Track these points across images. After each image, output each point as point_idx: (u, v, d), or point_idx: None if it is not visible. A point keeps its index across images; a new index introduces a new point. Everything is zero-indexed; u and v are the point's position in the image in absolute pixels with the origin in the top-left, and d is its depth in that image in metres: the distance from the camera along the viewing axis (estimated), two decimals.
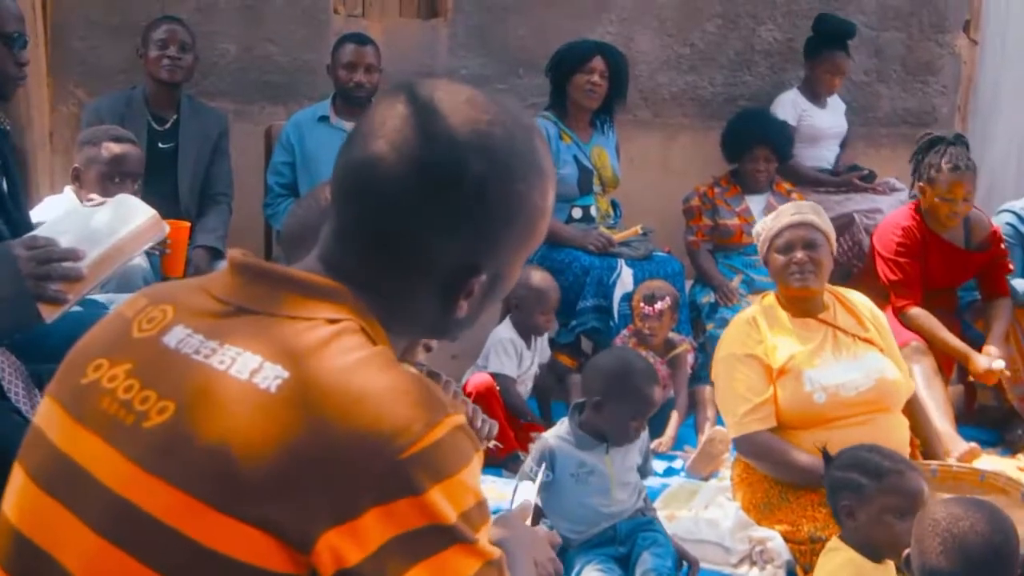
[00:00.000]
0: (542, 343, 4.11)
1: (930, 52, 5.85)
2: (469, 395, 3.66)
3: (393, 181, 1.09)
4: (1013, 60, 5.88)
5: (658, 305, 4.00)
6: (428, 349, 1.62)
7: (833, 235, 3.33)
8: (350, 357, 1.04)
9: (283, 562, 0.97)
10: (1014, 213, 4.37)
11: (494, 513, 1.76)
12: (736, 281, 4.59)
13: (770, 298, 3.36)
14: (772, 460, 3.13)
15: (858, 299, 3.40)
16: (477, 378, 3.73)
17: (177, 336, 1.10)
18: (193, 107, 4.22)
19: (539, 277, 3.99)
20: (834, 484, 2.56)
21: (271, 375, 1.02)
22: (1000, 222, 4.35)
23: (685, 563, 2.84)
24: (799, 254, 3.20)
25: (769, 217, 3.39)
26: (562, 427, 2.95)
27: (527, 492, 2.86)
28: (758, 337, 3.21)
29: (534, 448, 3.00)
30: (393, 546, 0.97)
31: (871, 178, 5.16)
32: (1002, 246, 4.18)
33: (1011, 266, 4.21)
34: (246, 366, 1.03)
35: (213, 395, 1.02)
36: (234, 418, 1.00)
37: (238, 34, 4.80)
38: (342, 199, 1.14)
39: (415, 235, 1.11)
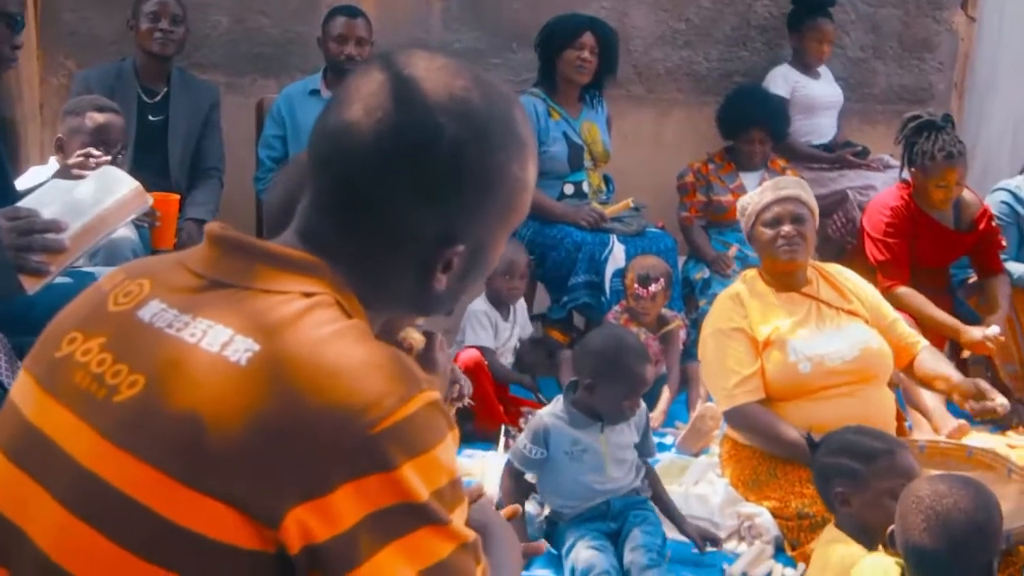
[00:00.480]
0: (522, 316, 4.10)
1: (927, 29, 5.83)
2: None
3: (368, 146, 1.08)
4: (1010, 37, 5.85)
5: (652, 287, 3.99)
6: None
7: (817, 210, 3.34)
8: (323, 330, 1.02)
9: (250, 538, 0.96)
10: (1010, 191, 4.37)
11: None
12: (732, 251, 4.58)
13: (753, 273, 3.37)
14: (762, 432, 3.14)
15: (839, 272, 3.42)
16: (466, 354, 3.72)
17: (152, 310, 1.09)
18: (184, 80, 4.19)
19: (509, 246, 3.99)
20: (824, 471, 2.52)
21: (241, 348, 1.00)
22: (995, 200, 4.35)
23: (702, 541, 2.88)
24: (787, 227, 3.21)
25: (755, 192, 3.40)
26: (556, 405, 2.95)
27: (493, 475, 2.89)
28: (743, 312, 3.23)
29: (528, 426, 3.00)
30: (364, 525, 0.95)
31: (864, 154, 5.15)
32: (993, 223, 4.17)
33: (1003, 243, 4.20)
34: (217, 339, 1.02)
35: (183, 368, 1.01)
36: (203, 391, 0.99)
37: (230, 6, 4.77)
38: (318, 167, 1.13)
39: (390, 202, 1.09)
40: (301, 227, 1.14)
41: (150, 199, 2.68)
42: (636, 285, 4.00)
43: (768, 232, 3.24)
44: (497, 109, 1.12)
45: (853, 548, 2.35)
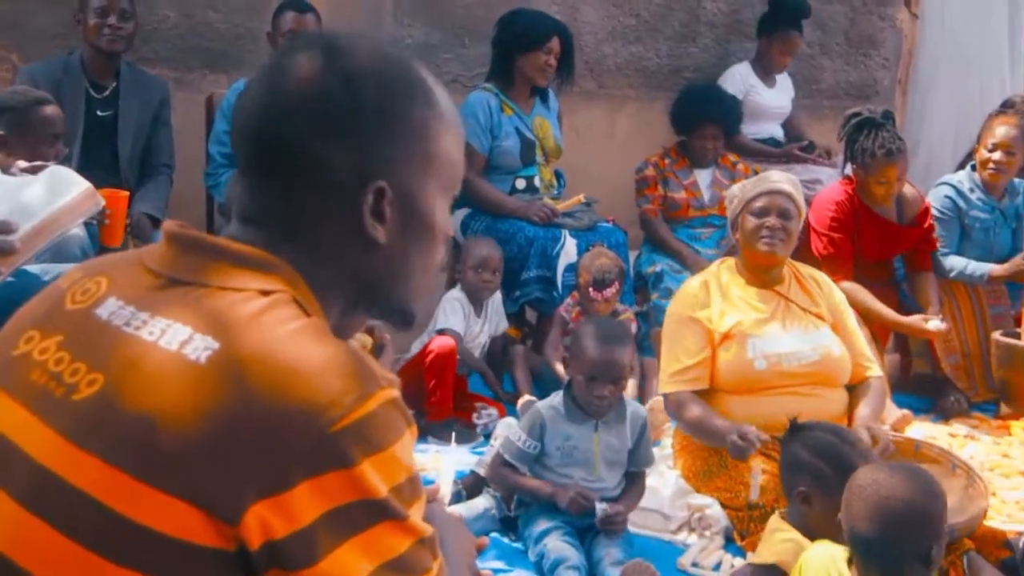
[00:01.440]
0: (496, 314, 4.11)
1: (872, 26, 5.93)
2: (430, 354, 3.67)
3: (271, 98, 1.12)
4: (951, 35, 5.97)
5: (607, 292, 4.00)
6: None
7: (804, 211, 3.37)
8: (282, 329, 1.03)
9: (210, 536, 0.97)
10: (952, 186, 4.45)
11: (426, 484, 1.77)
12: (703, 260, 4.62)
13: (729, 263, 3.40)
14: (687, 420, 3.19)
15: (813, 275, 3.46)
16: (440, 340, 3.74)
17: (109, 308, 1.09)
18: (133, 74, 4.12)
19: (483, 242, 4.05)
20: (795, 463, 2.51)
21: (201, 346, 1.01)
22: (938, 195, 4.43)
23: None
24: (772, 220, 3.24)
25: (748, 181, 3.43)
26: (555, 398, 2.96)
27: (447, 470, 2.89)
28: (705, 301, 3.26)
29: (525, 417, 3.02)
30: (324, 522, 0.96)
31: (811, 148, 5.23)
32: (930, 222, 4.26)
33: (939, 242, 4.30)
34: (175, 337, 1.03)
35: (142, 367, 1.02)
36: (162, 390, 1.00)
37: (178, 0, 4.71)
38: (238, 145, 1.16)
39: (299, 144, 1.11)
40: (240, 211, 1.16)
41: (102, 200, 2.66)
42: (592, 289, 4.00)
43: (753, 221, 3.26)
44: (394, 57, 1.17)
45: (797, 536, 2.39)
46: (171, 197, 4.15)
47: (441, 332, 3.83)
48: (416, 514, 1.03)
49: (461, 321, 3.91)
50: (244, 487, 0.96)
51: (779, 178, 3.36)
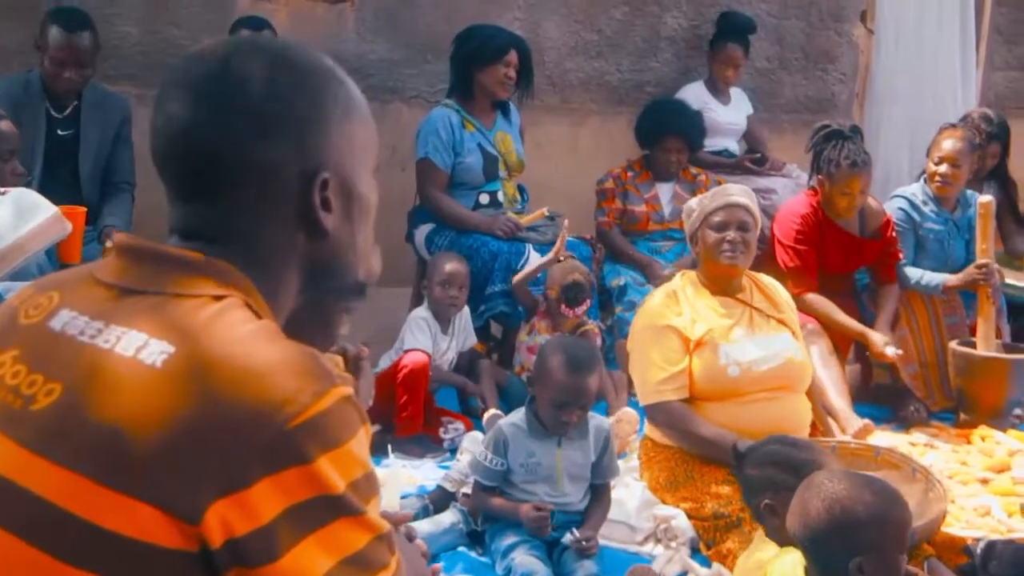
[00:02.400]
0: (463, 331, 4.12)
1: (829, 41, 6.02)
2: (402, 369, 3.67)
3: (188, 113, 1.13)
4: (906, 50, 6.08)
5: (579, 310, 4.02)
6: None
7: (760, 221, 3.42)
8: (237, 331, 1.05)
9: (173, 537, 0.98)
10: (907, 199, 4.53)
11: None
12: (662, 269, 4.65)
13: (691, 275, 3.44)
14: (680, 430, 3.21)
15: (771, 283, 3.52)
16: (411, 357, 3.74)
17: (63, 319, 1.10)
18: (95, 92, 4.08)
19: (448, 258, 4.05)
20: (751, 484, 2.58)
21: (157, 350, 1.03)
22: (893, 207, 4.50)
23: None
24: (732, 233, 3.29)
25: (706, 195, 3.47)
26: (518, 415, 2.97)
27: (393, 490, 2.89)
28: (677, 310, 3.29)
29: (488, 435, 3.03)
30: (283, 518, 0.98)
31: (762, 161, 5.28)
32: (891, 234, 4.33)
33: (901, 254, 4.37)
34: (131, 343, 1.04)
35: (99, 373, 1.03)
36: (121, 395, 1.01)
37: (140, 17, 4.70)
38: (162, 163, 1.16)
39: (230, 151, 1.12)
40: (177, 228, 1.17)
41: (69, 226, 2.65)
42: (563, 305, 4.00)
43: (714, 235, 3.31)
44: (302, 53, 1.19)
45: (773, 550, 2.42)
46: (133, 214, 4.13)
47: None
48: (374, 510, 1.05)
49: (428, 340, 3.91)
50: (204, 486, 0.97)
51: (736, 191, 3.41)
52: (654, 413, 3.27)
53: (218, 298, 1.09)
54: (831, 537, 2.04)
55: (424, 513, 3.06)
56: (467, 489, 3.06)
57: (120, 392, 1.01)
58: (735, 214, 3.32)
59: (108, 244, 3.60)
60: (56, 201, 2.72)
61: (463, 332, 4.12)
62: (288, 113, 1.14)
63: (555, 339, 3.26)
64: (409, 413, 3.66)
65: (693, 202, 3.47)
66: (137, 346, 1.04)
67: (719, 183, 4.29)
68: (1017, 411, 4.28)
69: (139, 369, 1.02)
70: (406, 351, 3.82)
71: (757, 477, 2.56)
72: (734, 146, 5.46)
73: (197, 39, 4.73)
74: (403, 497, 3.14)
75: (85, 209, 3.41)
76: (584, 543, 2.79)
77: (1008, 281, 4.54)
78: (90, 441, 1.00)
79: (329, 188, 1.16)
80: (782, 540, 2.41)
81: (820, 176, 4.18)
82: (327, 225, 1.17)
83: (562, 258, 4.13)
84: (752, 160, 5.26)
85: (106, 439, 0.99)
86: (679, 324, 3.25)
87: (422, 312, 3.99)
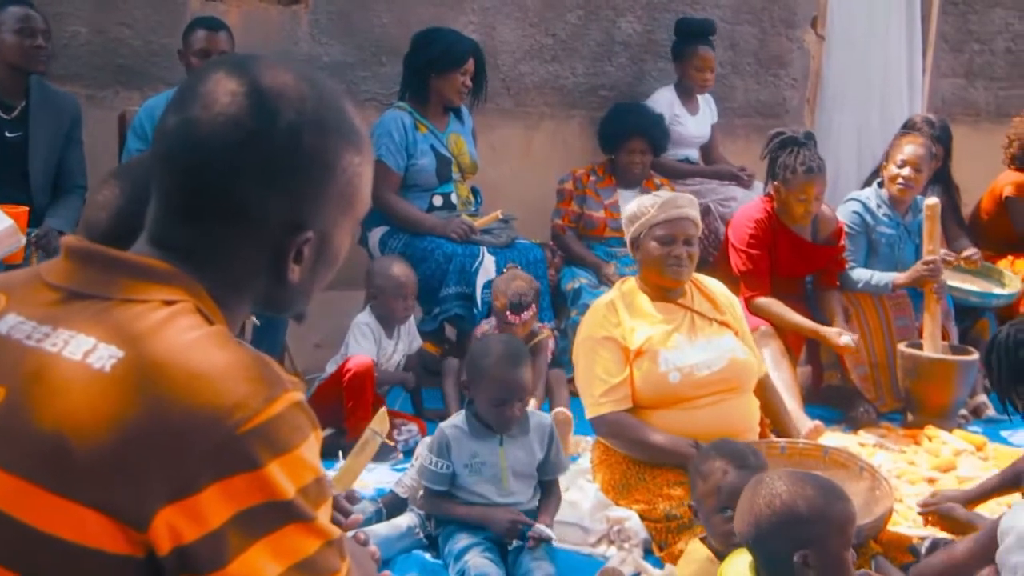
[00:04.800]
0: (409, 335, 4.10)
1: (781, 46, 6.08)
2: (347, 373, 3.65)
3: (209, 137, 1.11)
4: (855, 56, 6.16)
5: (524, 315, 4.02)
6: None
7: (700, 227, 3.43)
8: (187, 336, 1.05)
9: (119, 543, 0.97)
10: (860, 202, 4.60)
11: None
12: (612, 267, 4.68)
13: (630, 283, 3.44)
14: (627, 439, 3.22)
15: (713, 284, 3.53)
16: (356, 359, 3.71)
17: (8, 323, 1.09)
18: (44, 93, 4.01)
19: (396, 266, 4.01)
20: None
21: (105, 355, 1.02)
22: (846, 211, 4.57)
23: None
24: (680, 248, 3.28)
25: (648, 203, 3.37)
26: (458, 417, 2.98)
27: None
28: (616, 320, 3.30)
29: (432, 438, 3.02)
30: (232, 524, 0.97)
31: (735, 177, 5.27)
32: (842, 243, 4.39)
33: (848, 261, 4.42)
34: (79, 347, 1.03)
35: (46, 378, 1.02)
36: (68, 399, 1.00)
37: (89, 16, 4.63)
38: (164, 168, 1.14)
39: (235, 190, 1.11)
40: (154, 234, 1.16)
41: (23, 239, 2.60)
42: (508, 312, 4.00)
43: (659, 248, 3.28)
44: (329, 99, 1.17)
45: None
46: (82, 215, 4.06)
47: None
48: (324, 515, 1.05)
49: (371, 345, 3.89)
50: (152, 492, 0.97)
51: (684, 203, 3.37)
52: (598, 425, 3.28)
53: (168, 303, 1.08)
54: (775, 533, 2.07)
55: (377, 517, 3.05)
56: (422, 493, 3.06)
57: (67, 396, 1.00)
58: (683, 228, 3.30)
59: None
60: (2, 202, 2.67)
61: (408, 335, 4.10)
62: (299, 172, 1.13)
63: (483, 339, 3.26)
64: (358, 417, 3.65)
65: (635, 206, 3.39)
66: (85, 350, 1.03)
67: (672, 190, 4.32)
68: (963, 412, 4.36)
69: (87, 373, 1.01)
70: (355, 354, 3.80)
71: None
72: (695, 155, 5.49)
73: (147, 39, 4.69)
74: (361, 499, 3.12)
75: (27, 209, 3.36)
76: (546, 534, 2.81)
77: (954, 284, 4.62)
78: (35, 445, 0.99)
79: (308, 243, 1.16)
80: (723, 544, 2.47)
81: (776, 182, 4.23)
82: (293, 278, 1.17)
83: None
84: (731, 175, 5.24)
85: (52, 443, 0.98)
86: (617, 335, 3.26)
87: (365, 317, 3.96)
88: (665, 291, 3.37)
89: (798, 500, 2.07)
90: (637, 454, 3.22)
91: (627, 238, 3.44)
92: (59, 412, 1.00)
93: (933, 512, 3.19)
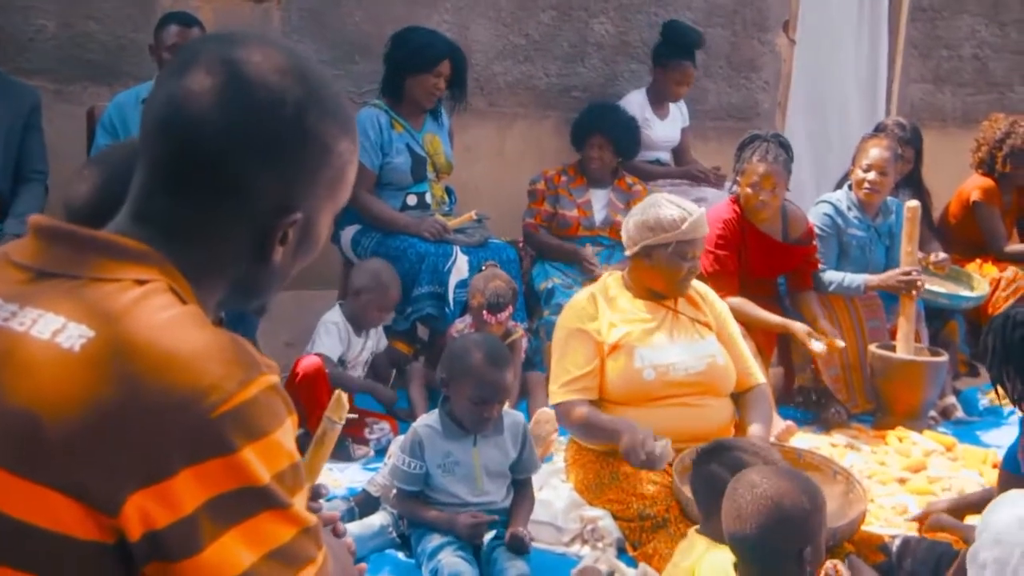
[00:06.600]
0: (377, 332, 4.07)
1: (753, 50, 6.12)
2: (297, 375, 3.61)
3: (212, 108, 1.08)
4: (823, 61, 6.22)
5: (501, 316, 4.01)
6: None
7: None
8: (160, 316, 1.01)
9: (88, 528, 0.95)
10: (832, 204, 4.62)
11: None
12: (588, 247, 4.67)
13: (616, 276, 3.44)
14: (580, 424, 3.22)
15: (700, 287, 3.53)
16: (307, 360, 3.67)
17: None
18: (1, 83, 3.96)
19: (386, 273, 3.98)
20: (709, 480, 2.57)
21: (75, 334, 0.99)
22: (818, 213, 4.59)
23: None
24: (693, 264, 3.34)
25: (677, 216, 3.29)
26: (431, 416, 2.96)
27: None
28: (593, 314, 3.30)
29: (404, 437, 2.99)
30: (206, 510, 0.95)
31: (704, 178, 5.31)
32: (814, 242, 4.41)
33: (820, 262, 4.44)
34: (47, 327, 1.00)
35: (12, 358, 0.99)
36: (35, 380, 0.97)
37: (56, 10, 4.56)
38: (155, 137, 1.11)
39: (231, 162, 1.08)
40: (135, 208, 1.12)
41: None
42: (486, 312, 3.97)
43: (679, 264, 3.28)
44: (328, 84, 1.16)
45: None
46: (50, 210, 4.01)
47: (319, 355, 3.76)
48: (300, 502, 1.02)
49: (336, 343, 3.84)
50: (123, 476, 0.94)
51: (703, 223, 3.36)
52: (559, 414, 3.33)
53: (141, 282, 1.05)
54: (777, 531, 2.07)
55: (349, 516, 3.02)
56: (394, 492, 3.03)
57: (34, 376, 0.97)
58: (701, 246, 3.39)
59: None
60: None
61: (376, 333, 4.08)
62: (298, 151, 1.11)
63: (466, 337, 3.24)
64: (317, 416, 3.59)
65: (658, 216, 3.30)
66: (54, 329, 1.00)
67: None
68: (932, 413, 4.39)
69: (55, 353, 0.98)
70: (307, 355, 3.75)
71: (715, 475, 2.52)
72: (666, 156, 5.50)
73: (116, 34, 4.64)
74: (329, 499, 3.09)
75: None
76: (524, 535, 2.81)
77: (926, 287, 4.65)
78: (3, 427, 0.96)
79: (294, 225, 1.14)
80: (717, 538, 2.43)
81: (738, 178, 4.24)
82: (275, 258, 1.14)
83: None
84: (702, 175, 5.27)
85: (18, 425, 0.96)
86: (592, 328, 3.26)
87: (334, 316, 3.92)
88: (651, 291, 3.37)
89: (801, 497, 2.10)
90: (590, 438, 3.24)
91: (633, 242, 3.35)
92: (26, 393, 0.97)
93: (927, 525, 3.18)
